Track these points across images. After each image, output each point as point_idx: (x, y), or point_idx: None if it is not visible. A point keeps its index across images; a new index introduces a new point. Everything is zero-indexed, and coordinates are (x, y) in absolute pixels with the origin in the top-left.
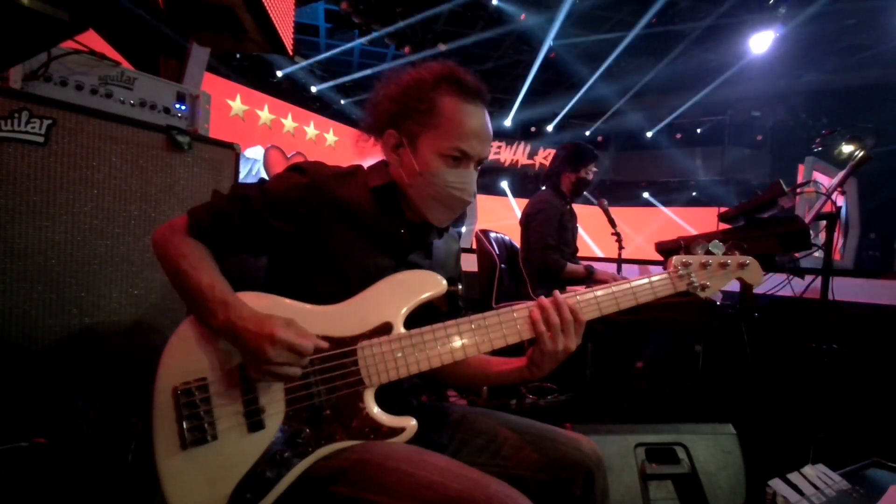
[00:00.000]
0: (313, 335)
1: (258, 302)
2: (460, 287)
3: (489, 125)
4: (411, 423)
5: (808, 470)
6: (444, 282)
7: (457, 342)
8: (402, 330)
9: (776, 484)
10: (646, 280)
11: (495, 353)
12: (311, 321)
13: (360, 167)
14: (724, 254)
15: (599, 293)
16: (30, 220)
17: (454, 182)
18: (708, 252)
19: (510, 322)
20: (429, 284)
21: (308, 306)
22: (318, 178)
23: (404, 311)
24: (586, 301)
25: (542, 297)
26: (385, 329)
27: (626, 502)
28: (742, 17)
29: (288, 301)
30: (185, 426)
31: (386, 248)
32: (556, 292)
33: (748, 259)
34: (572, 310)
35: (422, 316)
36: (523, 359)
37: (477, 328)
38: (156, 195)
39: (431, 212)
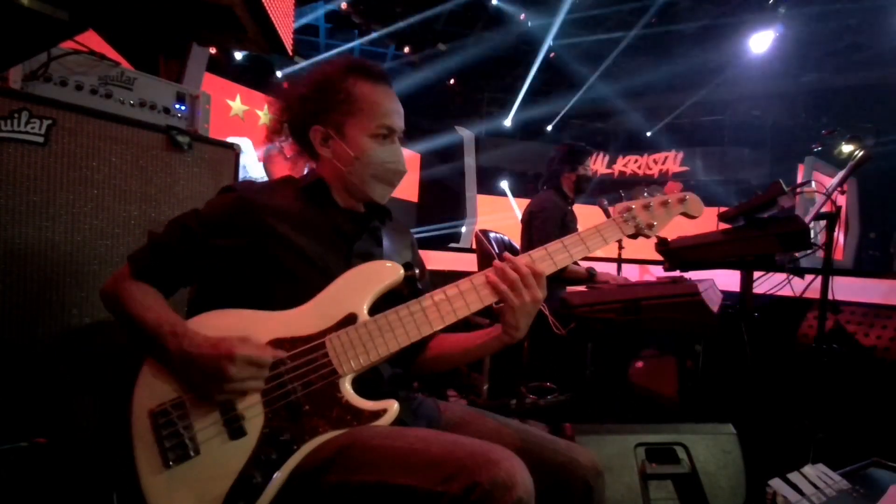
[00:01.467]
0: (269, 348)
1: (224, 318)
2: (417, 271)
3: (399, 102)
4: (393, 406)
5: (808, 470)
6: (402, 269)
7: (421, 318)
8: (367, 317)
9: (776, 484)
10: (593, 229)
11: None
12: (277, 326)
13: (290, 177)
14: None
15: (549, 246)
16: (30, 221)
17: (388, 158)
18: (648, 196)
19: (469, 290)
20: (386, 273)
21: (272, 313)
22: (246, 192)
23: (367, 301)
24: (539, 255)
25: (494, 263)
26: (350, 320)
27: (626, 502)
28: (742, 17)
29: (252, 312)
30: (165, 445)
31: (330, 241)
32: (506, 255)
33: (686, 194)
34: (526, 264)
35: (386, 304)
36: (497, 326)
37: (439, 301)
38: (156, 195)
39: (374, 190)
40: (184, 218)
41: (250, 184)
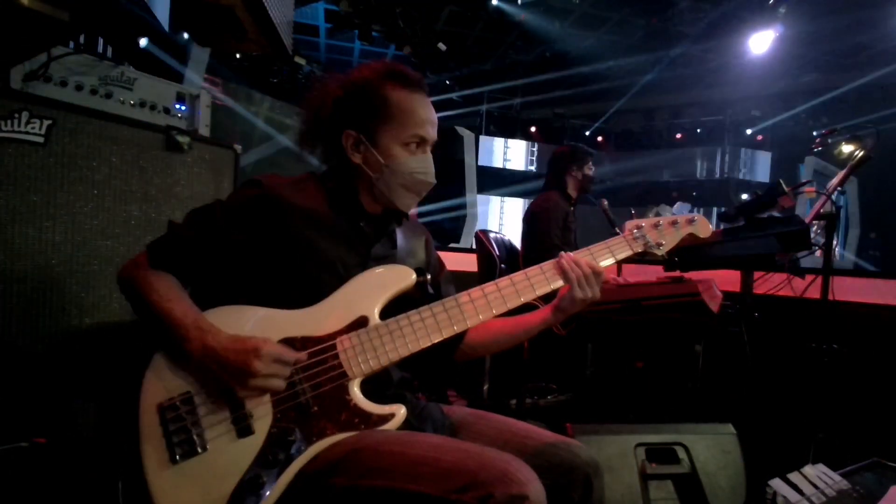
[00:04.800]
0: (291, 349)
1: (238, 314)
2: (429, 276)
3: (433, 111)
4: (401, 410)
5: (808, 470)
6: (414, 275)
7: (431, 324)
8: (378, 321)
9: (776, 484)
10: (603, 244)
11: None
12: (290, 325)
13: (313, 174)
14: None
15: (573, 254)
16: (30, 221)
17: (418, 168)
18: (657, 214)
19: (480, 298)
20: (398, 277)
21: (284, 312)
22: (271, 188)
23: (378, 304)
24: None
25: (561, 254)
26: (362, 322)
27: (626, 502)
28: (742, 17)
29: (264, 309)
30: (173, 440)
31: (349, 244)
32: (562, 254)
33: (695, 215)
34: (588, 263)
35: (396, 306)
36: (546, 308)
37: (450, 308)
38: (156, 196)
39: (400, 199)
40: (205, 209)
41: (276, 179)
